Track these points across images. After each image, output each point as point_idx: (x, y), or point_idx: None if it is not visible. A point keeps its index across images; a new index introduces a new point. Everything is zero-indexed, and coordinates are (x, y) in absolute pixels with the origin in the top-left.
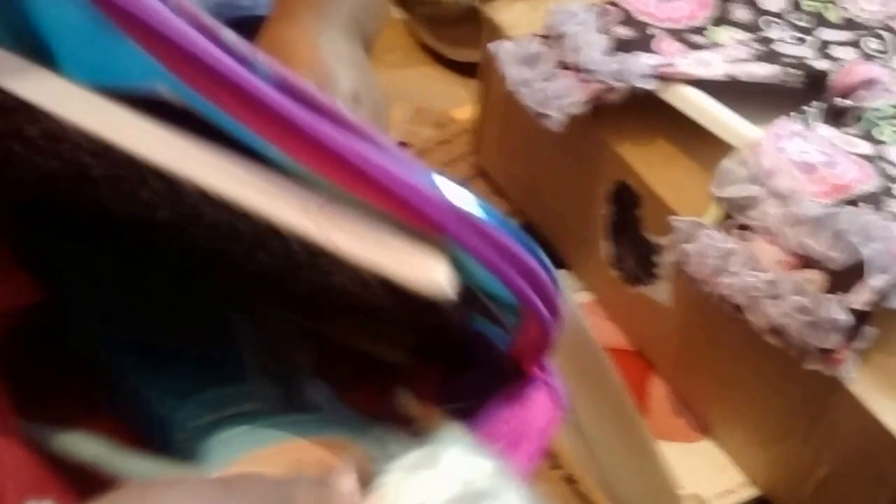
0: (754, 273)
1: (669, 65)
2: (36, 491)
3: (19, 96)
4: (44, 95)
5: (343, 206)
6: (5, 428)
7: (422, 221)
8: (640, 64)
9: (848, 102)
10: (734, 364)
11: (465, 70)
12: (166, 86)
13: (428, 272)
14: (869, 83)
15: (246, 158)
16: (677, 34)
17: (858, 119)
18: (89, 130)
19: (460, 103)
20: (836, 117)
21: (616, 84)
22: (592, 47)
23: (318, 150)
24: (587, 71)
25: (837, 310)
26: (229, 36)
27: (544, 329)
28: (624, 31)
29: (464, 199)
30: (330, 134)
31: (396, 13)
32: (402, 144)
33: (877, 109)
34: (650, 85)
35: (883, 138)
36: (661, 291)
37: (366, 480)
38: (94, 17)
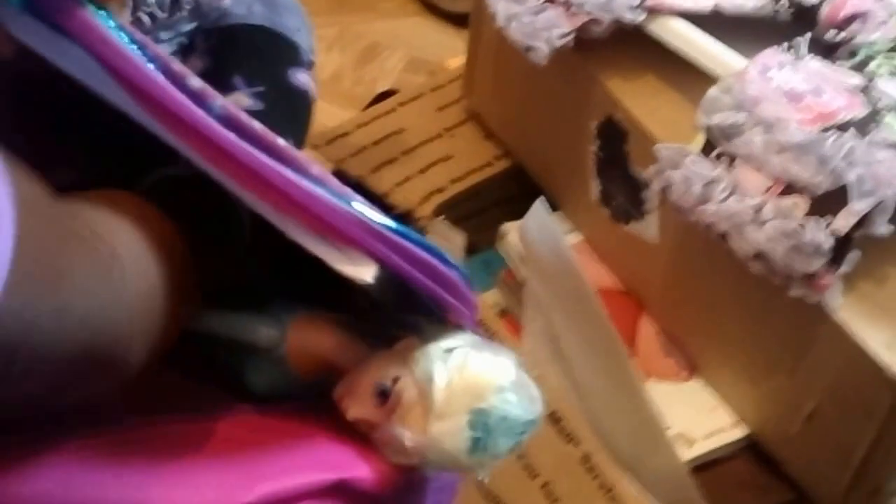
0: (738, 198)
1: None
2: None
3: None
4: None
5: None
6: None
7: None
8: None
9: (840, 35)
10: (720, 297)
11: (459, 21)
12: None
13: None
14: (862, 16)
15: None
16: None
17: (852, 53)
18: None
19: (454, 53)
20: (827, 50)
21: (602, 16)
22: None
23: (251, 175)
24: (574, 4)
25: (821, 234)
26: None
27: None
28: None
29: (376, 215)
30: (263, 162)
31: None
32: (392, 92)
33: (872, 43)
34: (637, 17)
35: (878, 71)
36: (649, 227)
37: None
38: None
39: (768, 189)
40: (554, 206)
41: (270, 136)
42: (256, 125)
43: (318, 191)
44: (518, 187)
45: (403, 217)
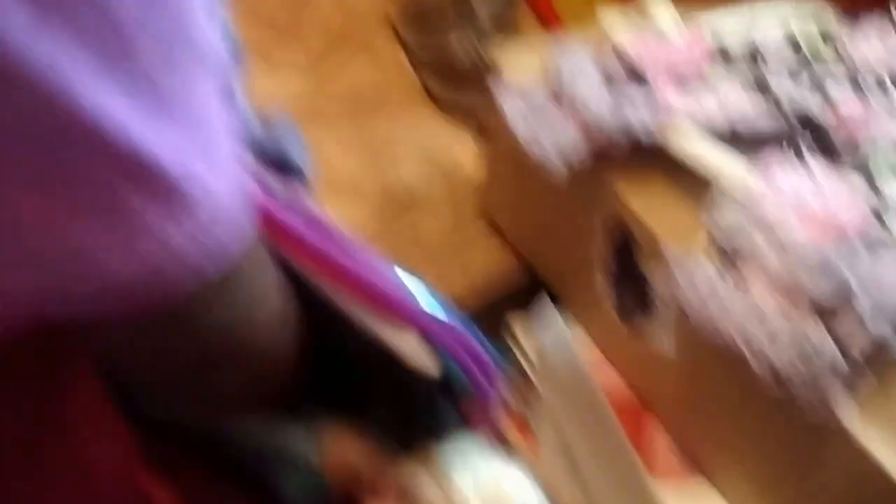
0: (743, 302)
1: (667, 107)
2: None
3: None
4: None
5: None
6: None
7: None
8: (639, 111)
9: (842, 138)
10: (730, 407)
11: (476, 117)
12: None
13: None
14: (865, 120)
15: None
16: (676, 77)
17: (853, 154)
18: None
19: (469, 150)
20: (830, 152)
21: (613, 127)
22: (593, 97)
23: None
24: (586, 116)
25: (835, 356)
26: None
27: (485, 397)
28: (623, 76)
29: (421, 297)
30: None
31: (405, 61)
32: (409, 192)
33: (875, 144)
34: (646, 127)
35: (879, 173)
36: (656, 332)
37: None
38: None
39: (773, 292)
40: (564, 307)
41: (346, 236)
42: (335, 226)
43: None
44: (526, 284)
45: None
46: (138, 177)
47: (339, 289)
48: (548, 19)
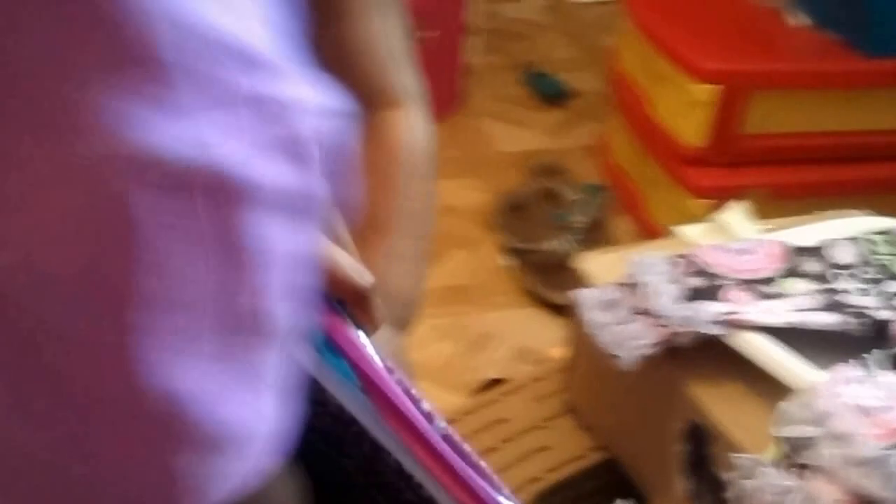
0: None
1: (737, 312)
2: None
3: None
4: None
5: None
6: None
7: None
8: (709, 311)
9: None
10: None
11: (565, 312)
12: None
13: None
14: None
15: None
16: (747, 284)
17: None
18: None
19: (558, 343)
20: None
21: (684, 329)
22: (665, 295)
23: (457, 483)
24: (659, 316)
25: None
26: (426, 405)
27: None
28: (696, 281)
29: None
30: (469, 474)
31: (503, 260)
32: (500, 381)
33: None
34: (717, 330)
35: None
36: None
37: None
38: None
39: (841, 502)
40: (644, 500)
41: (475, 456)
42: (466, 446)
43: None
44: (610, 479)
45: None
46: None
47: (431, 471)
48: (645, 226)
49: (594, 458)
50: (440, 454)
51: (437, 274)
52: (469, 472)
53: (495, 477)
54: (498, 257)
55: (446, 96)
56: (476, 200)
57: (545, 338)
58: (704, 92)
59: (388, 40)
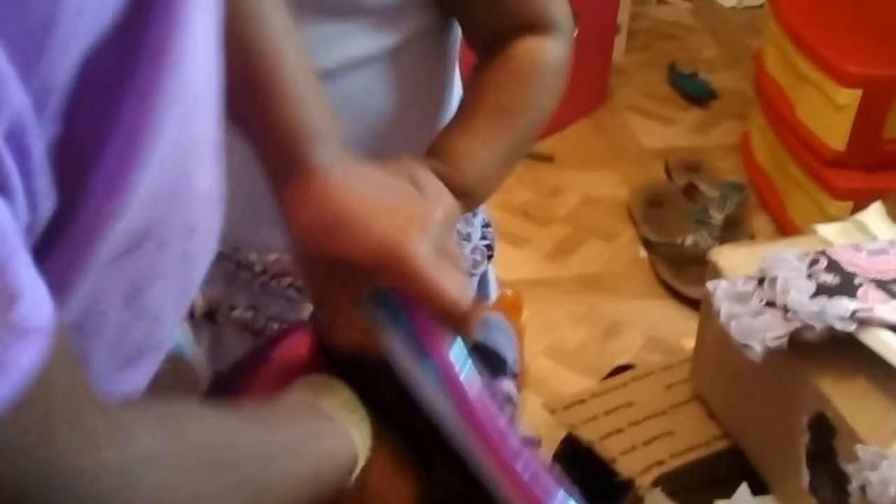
0: None
1: (869, 310)
2: None
3: None
4: None
5: None
6: None
7: None
8: (841, 307)
9: None
10: None
11: (698, 306)
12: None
13: None
14: None
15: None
16: (882, 284)
17: None
18: None
19: (690, 335)
20: None
21: (815, 324)
22: (798, 290)
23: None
24: (791, 310)
25: None
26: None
27: None
28: (829, 278)
29: None
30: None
31: (641, 251)
32: (629, 366)
33: None
34: (847, 327)
35: None
36: None
37: None
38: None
39: None
40: (765, 490)
41: (540, 462)
42: (536, 457)
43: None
44: (733, 467)
45: (625, 484)
46: None
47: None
48: (783, 225)
49: (718, 445)
50: (510, 467)
51: (575, 261)
52: (532, 475)
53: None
54: (635, 249)
55: (593, 91)
56: (616, 193)
57: (677, 329)
58: (847, 96)
59: None
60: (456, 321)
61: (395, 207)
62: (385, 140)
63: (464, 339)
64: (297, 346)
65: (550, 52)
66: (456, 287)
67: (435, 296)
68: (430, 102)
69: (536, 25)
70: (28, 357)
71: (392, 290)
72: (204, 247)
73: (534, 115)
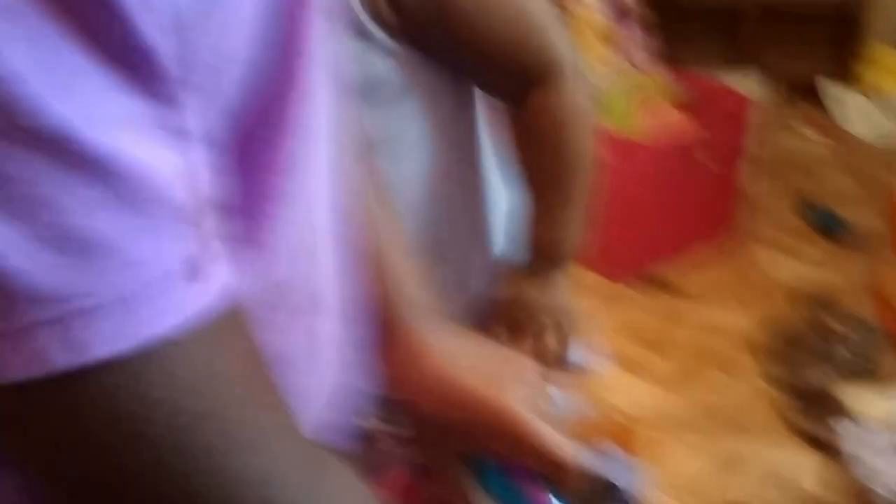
0: None
1: None
2: None
3: None
4: None
5: None
6: None
7: None
8: None
9: None
10: None
11: (821, 446)
12: None
13: None
14: None
15: None
16: None
17: None
18: None
19: (810, 474)
20: None
21: None
22: None
23: None
24: None
25: None
26: None
27: None
28: None
29: None
30: None
31: (765, 386)
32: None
33: None
34: None
35: None
36: None
37: None
38: None
39: None
40: None
41: None
42: None
43: None
44: None
45: None
46: None
47: None
48: None
49: None
50: None
51: (694, 391)
52: None
53: None
54: (758, 382)
55: (720, 219)
56: (741, 325)
57: (797, 467)
58: None
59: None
60: (558, 478)
61: (492, 371)
62: (434, 208)
63: (561, 495)
64: (394, 483)
65: (564, 97)
66: (559, 443)
67: (541, 453)
68: (465, 169)
69: (546, 74)
70: (218, 284)
71: (489, 454)
72: (329, 332)
73: (576, 162)
